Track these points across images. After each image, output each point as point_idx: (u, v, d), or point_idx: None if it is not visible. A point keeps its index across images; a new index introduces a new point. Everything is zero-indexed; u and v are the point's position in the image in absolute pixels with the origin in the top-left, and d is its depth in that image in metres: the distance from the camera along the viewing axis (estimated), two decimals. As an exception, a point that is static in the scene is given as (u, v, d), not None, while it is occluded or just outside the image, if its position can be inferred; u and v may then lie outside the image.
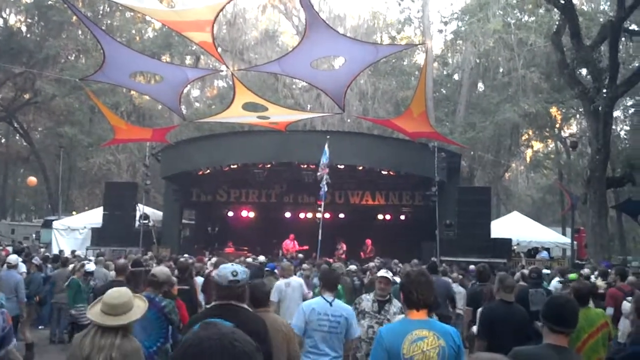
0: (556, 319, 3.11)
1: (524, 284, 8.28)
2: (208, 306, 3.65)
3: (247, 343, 1.40)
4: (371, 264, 12.84)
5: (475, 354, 2.33)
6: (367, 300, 5.76)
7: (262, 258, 14.16)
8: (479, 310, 5.90)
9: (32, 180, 29.63)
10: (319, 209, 13.69)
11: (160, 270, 5.80)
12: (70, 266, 11.46)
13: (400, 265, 12.86)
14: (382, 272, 5.97)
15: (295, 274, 9.11)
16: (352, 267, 11.53)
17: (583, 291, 5.37)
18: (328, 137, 14.78)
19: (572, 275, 10.11)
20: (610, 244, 23.21)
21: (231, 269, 3.57)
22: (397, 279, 7.04)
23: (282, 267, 8.84)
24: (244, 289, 3.67)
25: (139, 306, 3.47)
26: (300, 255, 17.53)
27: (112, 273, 8.98)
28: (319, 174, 14.36)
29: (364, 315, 5.61)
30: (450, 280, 10.16)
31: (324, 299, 5.12)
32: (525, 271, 10.12)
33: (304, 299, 7.82)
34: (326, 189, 14.37)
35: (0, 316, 4.75)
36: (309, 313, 4.95)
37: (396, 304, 5.57)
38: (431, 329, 3.27)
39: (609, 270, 10.29)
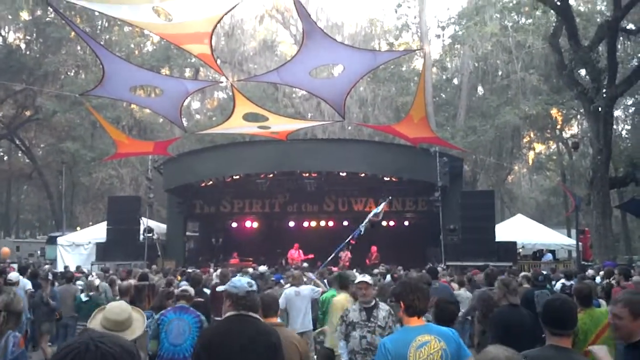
0: (554, 321, 3.10)
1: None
2: (223, 317, 3.60)
3: (116, 346, 1.39)
4: (376, 271, 12.83)
5: (484, 350, 2.37)
6: (353, 311, 5.43)
7: (262, 268, 14.02)
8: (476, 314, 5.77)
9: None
10: (349, 245, 14.02)
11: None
12: (78, 282, 11.45)
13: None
14: (360, 277, 5.68)
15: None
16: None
17: (584, 292, 5.34)
18: (390, 198, 15.14)
19: None
20: (615, 244, 23.11)
21: (246, 280, 3.62)
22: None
23: (293, 275, 8.92)
24: (257, 299, 3.72)
25: (138, 319, 3.41)
26: (305, 264, 17.47)
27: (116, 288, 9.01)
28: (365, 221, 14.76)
29: (353, 326, 5.30)
30: (454, 285, 10.14)
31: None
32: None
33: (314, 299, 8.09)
34: (362, 232, 14.71)
35: (12, 339, 4.75)
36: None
37: (384, 307, 5.36)
38: (431, 332, 3.41)
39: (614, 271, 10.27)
